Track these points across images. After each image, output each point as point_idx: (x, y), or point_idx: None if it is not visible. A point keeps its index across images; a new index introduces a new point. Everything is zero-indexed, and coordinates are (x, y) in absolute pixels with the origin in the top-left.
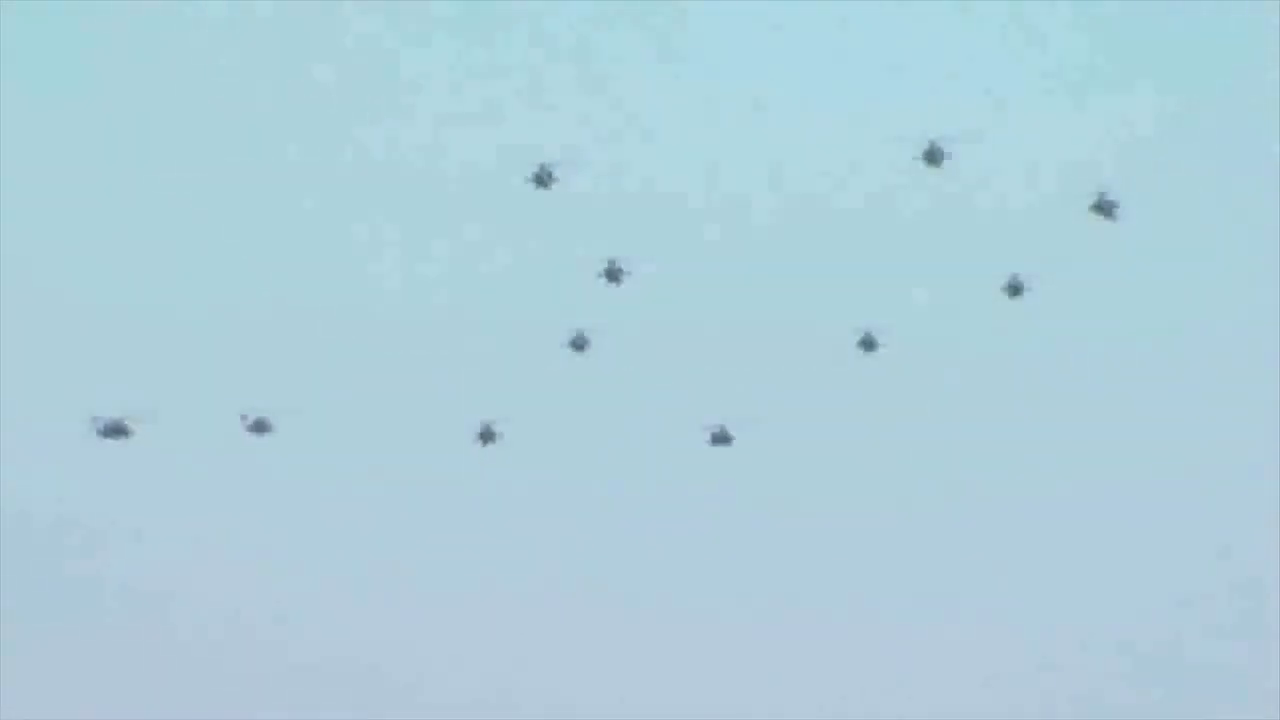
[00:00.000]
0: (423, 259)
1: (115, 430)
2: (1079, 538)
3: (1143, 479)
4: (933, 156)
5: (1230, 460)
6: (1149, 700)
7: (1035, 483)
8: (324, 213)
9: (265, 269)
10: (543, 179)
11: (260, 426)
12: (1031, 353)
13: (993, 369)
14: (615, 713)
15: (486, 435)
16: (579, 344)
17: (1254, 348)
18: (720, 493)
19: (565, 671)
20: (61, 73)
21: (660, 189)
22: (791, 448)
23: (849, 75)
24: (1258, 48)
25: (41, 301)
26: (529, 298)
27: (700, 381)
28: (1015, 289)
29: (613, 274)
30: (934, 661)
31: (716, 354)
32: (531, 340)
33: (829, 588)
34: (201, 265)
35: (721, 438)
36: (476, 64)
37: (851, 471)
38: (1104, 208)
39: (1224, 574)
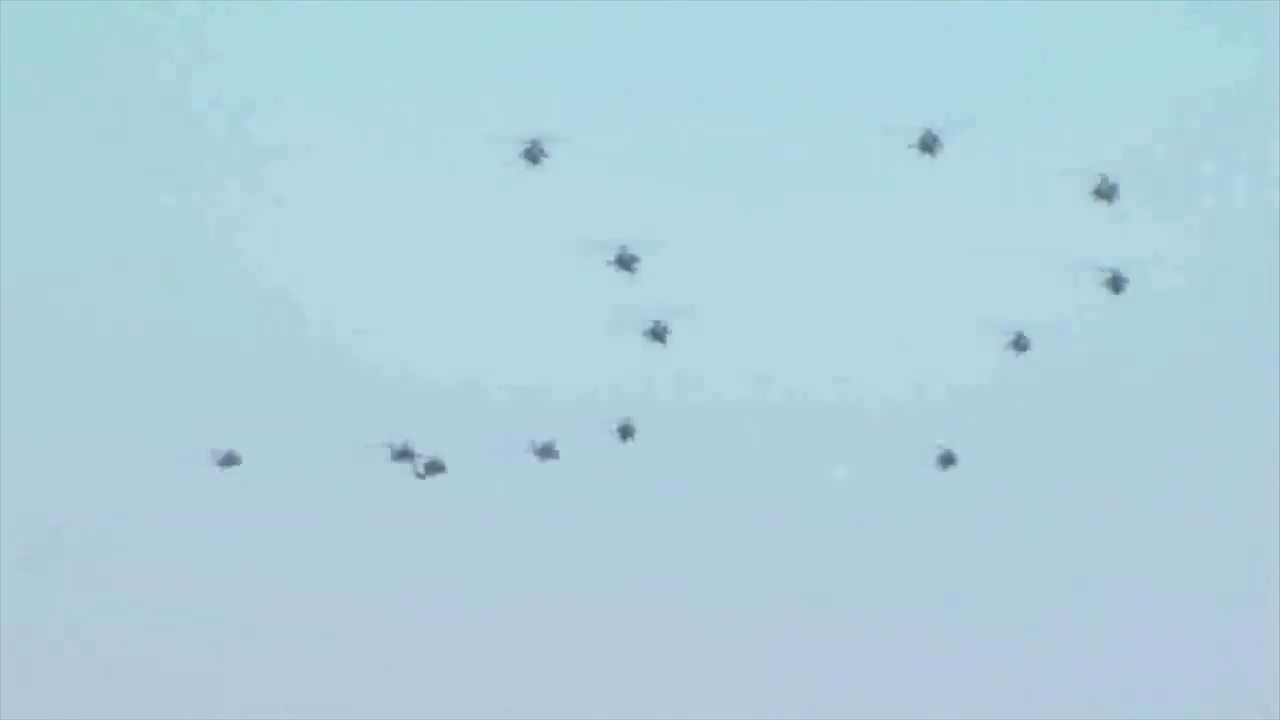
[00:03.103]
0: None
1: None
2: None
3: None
4: (927, 145)
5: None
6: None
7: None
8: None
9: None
10: (533, 155)
11: (434, 468)
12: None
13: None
14: (624, 715)
15: (626, 431)
16: (658, 334)
17: (1254, 347)
18: (733, 494)
19: (570, 675)
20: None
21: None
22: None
23: (844, 69)
24: (1259, 46)
25: None
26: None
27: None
28: (1117, 284)
29: (624, 262)
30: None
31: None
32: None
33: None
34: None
35: (948, 459)
36: None
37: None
38: (1105, 193)
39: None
